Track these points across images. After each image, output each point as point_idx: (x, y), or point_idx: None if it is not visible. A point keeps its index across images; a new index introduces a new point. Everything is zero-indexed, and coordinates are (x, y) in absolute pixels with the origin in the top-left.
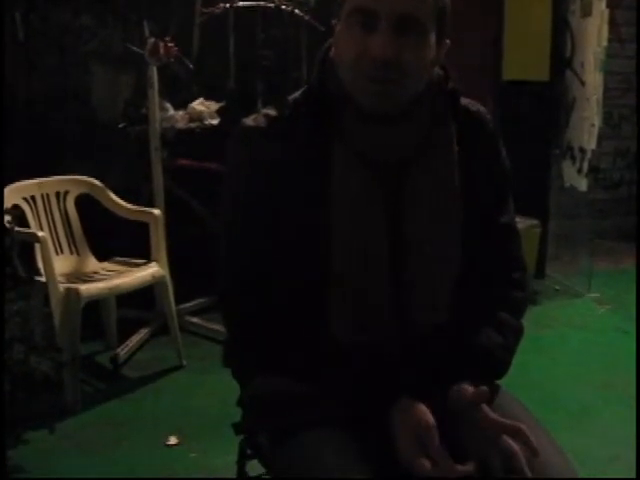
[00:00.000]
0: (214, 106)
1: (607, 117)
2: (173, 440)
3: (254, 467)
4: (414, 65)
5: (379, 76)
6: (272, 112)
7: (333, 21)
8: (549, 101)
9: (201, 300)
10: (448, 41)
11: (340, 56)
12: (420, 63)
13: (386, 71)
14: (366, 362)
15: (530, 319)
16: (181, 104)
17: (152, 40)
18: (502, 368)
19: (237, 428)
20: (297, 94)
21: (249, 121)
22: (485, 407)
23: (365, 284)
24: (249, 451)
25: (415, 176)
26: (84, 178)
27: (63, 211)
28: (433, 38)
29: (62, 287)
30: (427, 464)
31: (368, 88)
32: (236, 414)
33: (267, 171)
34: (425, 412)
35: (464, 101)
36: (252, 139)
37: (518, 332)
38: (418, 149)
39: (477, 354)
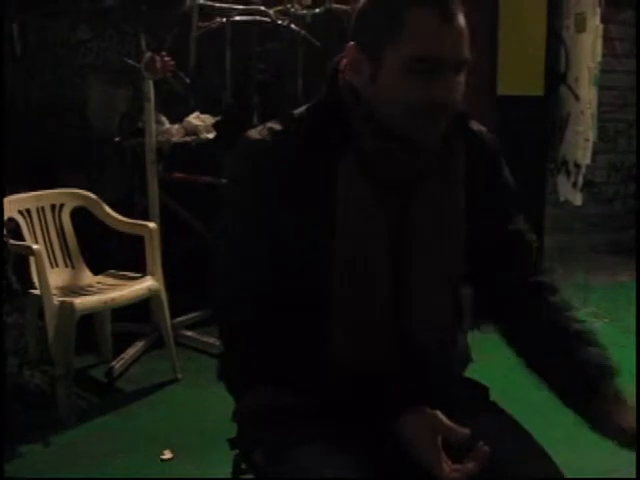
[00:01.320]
0: (210, 120)
1: (602, 132)
2: (168, 454)
3: None
4: (459, 101)
5: (440, 118)
6: (277, 126)
7: (351, 43)
8: (544, 116)
9: (196, 314)
10: None
11: (391, 96)
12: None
13: (446, 112)
14: (366, 374)
15: None
16: (177, 118)
17: (149, 54)
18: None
19: (232, 443)
20: (302, 109)
21: (254, 134)
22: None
23: (366, 305)
24: (244, 466)
25: (420, 198)
26: (79, 191)
27: (58, 224)
28: None
29: (57, 300)
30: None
31: (427, 129)
32: (231, 428)
33: (271, 186)
34: (439, 415)
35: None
36: (257, 153)
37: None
38: (425, 171)
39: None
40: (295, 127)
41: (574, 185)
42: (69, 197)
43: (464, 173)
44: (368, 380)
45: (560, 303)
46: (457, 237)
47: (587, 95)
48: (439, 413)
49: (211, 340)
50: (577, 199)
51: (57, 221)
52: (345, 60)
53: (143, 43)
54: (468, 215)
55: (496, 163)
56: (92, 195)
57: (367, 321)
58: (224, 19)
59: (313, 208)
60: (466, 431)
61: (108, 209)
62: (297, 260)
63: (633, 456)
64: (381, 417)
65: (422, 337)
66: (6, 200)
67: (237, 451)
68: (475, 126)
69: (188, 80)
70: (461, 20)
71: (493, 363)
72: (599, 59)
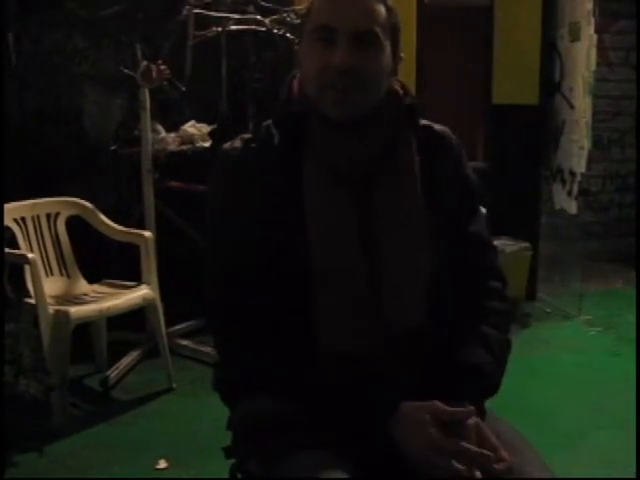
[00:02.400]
0: (206, 128)
1: (596, 140)
2: (163, 464)
3: None
4: (373, 73)
5: (341, 84)
6: (247, 135)
7: (295, 46)
8: (539, 124)
9: (192, 322)
10: (402, 54)
11: (305, 72)
12: (378, 71)
13: (347, 79)
14: (353, 378)
15: (521, 341)
16: (173, 126)
17: (145, 63)
18: (492, 386)
19: (227, 452)
20: (270, 120)
21: (228, 145)
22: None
23: (343, 290)
24: (240, 475)
25: (380, 186)
26: (75, 200)
27: (54, 233)
28: (388, 50)
29: (52, 309)
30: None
31: (331, 96)
32: (226, 437)
33: (244, 191)
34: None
35: (426, 122)
36: (229, 161)
37: (505, 347)
38: (380, 161)
39: (466, 373)
40: (264, 135)
41: (569, 193)
42: (64, 206)
43: (419, 167)
44: (355, 382)
45: (495, 314)
46: (419, 225)
47: (582, 104)
48: (430, 403)
49: (206, 349)
50: (572, 207)
51: (52, 230)
52: None
53: (139, 52)
54: (428, 208)
55: (455, 160)
56: (88, 204)
57: (348, 309)
58: (220, 28)
59: (285, 207)
60: (468, 408)
61: (104, 218)
62: (276, 259)
63: (629, 463)
64: (373, 415)
65: (395, 317)
66: None
67: (232, 460)
68: (437, 126)
69: (184, 89)
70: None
71: None
72: (593, 68)
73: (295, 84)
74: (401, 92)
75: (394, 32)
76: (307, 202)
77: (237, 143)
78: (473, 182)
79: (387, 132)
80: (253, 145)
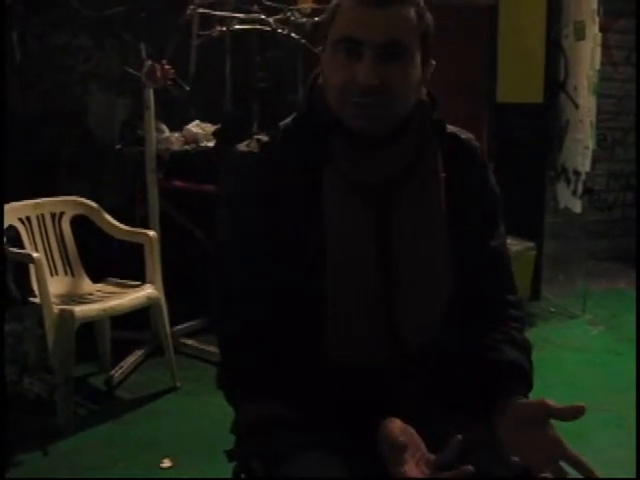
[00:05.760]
0: (210, 128)
1: (601, 140)
2: (167, 463)
3: None
4: (401, 88)
5: (365, 102)
6: (264, 138)
7: (318, 49)
8: (543, 123)
9: (196, 322)
10: (433, 62)
11: (327, 82)
12: (407, 86)
13: (372, 97)
14: (357, 382)
15: None
16: (177, 126)
17: (149, 63)
18: (531, 384)
19: (230, 455)
20: (288, 120)
21: (242, 147)
22: (554, 427)
23: (357, 307)
24: (243, 475)
25: (402, 202)
26: (80, 199)
27: (58, 232)
28: (419, 59)
29: (56, 308)
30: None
31: (355, 113)
32: (230, 436)
33: (260, 197)
34: (404, 429)
35: (453, 129)
36: (245, 165)
37: (530, 349)
38: (404, 175)
39: (511, 371)
40: (281, 138)
41: (574, 192)
42: (69, 205)
43: (443, 179)
44: (359, 386)
45: (516, 321)
46: (439, 242)
47: (586, 103)
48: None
49: (211, 348)
50: (577, 206)
51: (57, 229)
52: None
53: (143, 51)
54: (451, 222)
55: (479, 171)
56: (92, 203)
57: (359, 321)
58: (224, 28)
59: (302, 216)
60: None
61: (108, 217)
62: (289, 267)
63: (630, 463)
64: (368, 425)
65: (410, 336)
66: (6, 208)
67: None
68: (462, 134)
69: (188, 88)
70: (392, 7)
71: None
72: (598, 67)
73: (317, 89)
74: (429, 105)
75: (425, 39)
76: (326, 214)
77: (253, 145)
78: (496, 194)
79: (411, 148)
80: (271, 149)
